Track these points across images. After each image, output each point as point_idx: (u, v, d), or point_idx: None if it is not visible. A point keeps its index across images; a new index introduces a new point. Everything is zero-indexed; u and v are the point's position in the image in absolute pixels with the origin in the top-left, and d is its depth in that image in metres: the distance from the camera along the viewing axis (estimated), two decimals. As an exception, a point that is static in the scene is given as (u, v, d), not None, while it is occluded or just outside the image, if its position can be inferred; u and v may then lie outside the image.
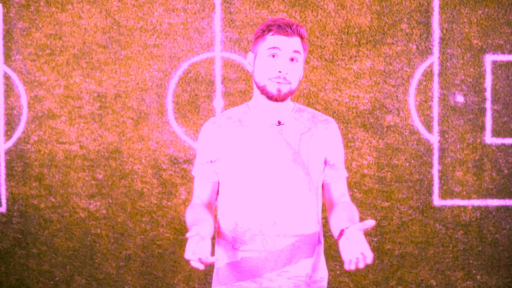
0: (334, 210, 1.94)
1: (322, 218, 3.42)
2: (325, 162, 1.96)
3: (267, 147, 1.90)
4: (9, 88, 3.57)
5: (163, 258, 3.57)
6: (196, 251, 1.67)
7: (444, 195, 3.55)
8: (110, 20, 3.54)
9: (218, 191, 2.02)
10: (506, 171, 3.54)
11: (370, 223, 1.67)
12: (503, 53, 3.52)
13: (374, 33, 3.52)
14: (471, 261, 3.57)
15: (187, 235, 1.68)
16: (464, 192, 3.55)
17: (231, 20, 3.52)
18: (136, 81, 3.54)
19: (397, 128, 3.54)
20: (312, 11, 3.51)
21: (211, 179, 1.98)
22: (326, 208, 2.08)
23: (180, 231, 3.53)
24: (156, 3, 3.52)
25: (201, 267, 1.66)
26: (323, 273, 1.97)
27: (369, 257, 1.63)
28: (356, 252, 1.64)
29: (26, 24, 3.55)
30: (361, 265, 1.63)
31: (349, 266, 1.64)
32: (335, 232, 1.81)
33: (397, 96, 3.53)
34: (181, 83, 3.55)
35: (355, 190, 3.52)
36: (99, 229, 3.58)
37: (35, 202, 3.57)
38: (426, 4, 3.51)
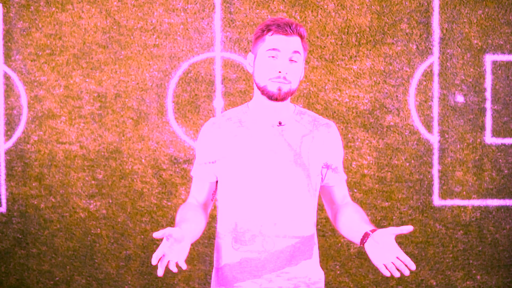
0: (342, 212, 1.94)
1: (322, 218, 3.42)
2: (326, 166, 1.96)
3: (267, 148, 1.90)
4: (9, 88, 3.57)
5: (163, 258, 3.57)
6: (167, 253, 1.63)
7: (444, 195, 3.55)
8: (110, 20, 3.54)
9: (214, 192, 2.01)
10: (506, 171, 3.54)
11: (408, 228, 1.60)
12: (503, 53, 3.52)
13: (374, 33, 3.52)
14: (471, 261, 3.57)
15: (154, 235, 1.59)
16: (464, 192, 3.54)
17: (231, 20, 3.52)
18: (136, 81, 3.54)
19: (397, 128, 3.53)
20: (312, 11, 3.51)
21: (209, 180, 1.97)
22: (326, 210, 2.08)
23: (180, 231, 3.52)
24: (156, 3, 3.52)
25: (160, 273, 1.59)
26: (320, 274, 1.98)
27: (408, 261, 1.58)
28: (390, 257, 1.60)
29: (26, 24, 3.54)
30: (406, 273, 1.58)
31: (386, 272, 1.61)
32: (356, 236, 1.78)
33: (397, 96, 3.53)
34: (181, 83, 3.55)
35: (355, 190, 3.52)
36: (99, 229, 3.58)
37: (35, 202, 3.57)
38: (426, 4, 3.51)
